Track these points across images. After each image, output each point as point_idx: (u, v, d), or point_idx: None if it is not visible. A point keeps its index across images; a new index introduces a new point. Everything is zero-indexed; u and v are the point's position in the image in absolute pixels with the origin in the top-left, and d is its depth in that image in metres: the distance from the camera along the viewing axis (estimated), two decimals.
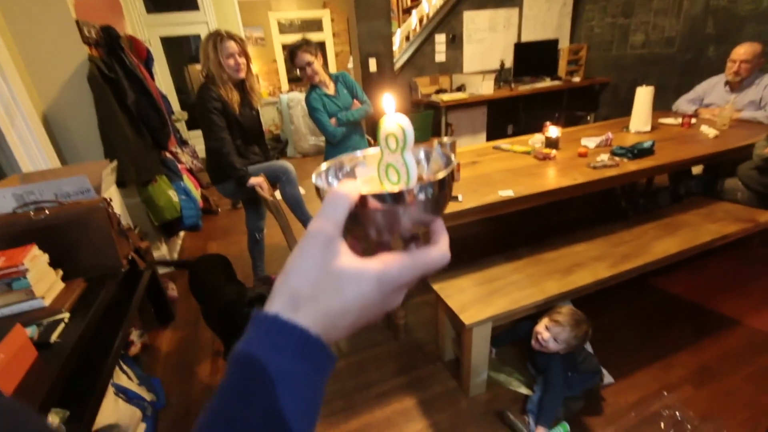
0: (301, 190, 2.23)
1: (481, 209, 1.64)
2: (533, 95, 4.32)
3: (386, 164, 0.33)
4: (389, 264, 0.27)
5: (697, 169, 2.93)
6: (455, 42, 4.30)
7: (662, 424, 1.38)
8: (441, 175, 0.30)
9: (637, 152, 2.10)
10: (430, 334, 1.92)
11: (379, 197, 0.28)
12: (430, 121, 3.96)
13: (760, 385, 1.58)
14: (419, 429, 1.47)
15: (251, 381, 0.24)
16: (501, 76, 4.53)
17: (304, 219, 2.17)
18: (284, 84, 6.71)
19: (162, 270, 2.75)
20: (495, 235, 2.91)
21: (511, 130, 4.92)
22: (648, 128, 2.63)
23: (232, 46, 1.92)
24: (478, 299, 1.48)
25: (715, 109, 2.80)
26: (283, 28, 6.36)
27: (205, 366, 1.89)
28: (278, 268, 2.05)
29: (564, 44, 4.69)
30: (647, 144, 2.15)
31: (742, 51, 2.62)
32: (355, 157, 0.38)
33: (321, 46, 4.41)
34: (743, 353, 1.74)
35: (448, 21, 4.19)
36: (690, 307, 2.05)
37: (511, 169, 2.04)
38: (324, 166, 0.36)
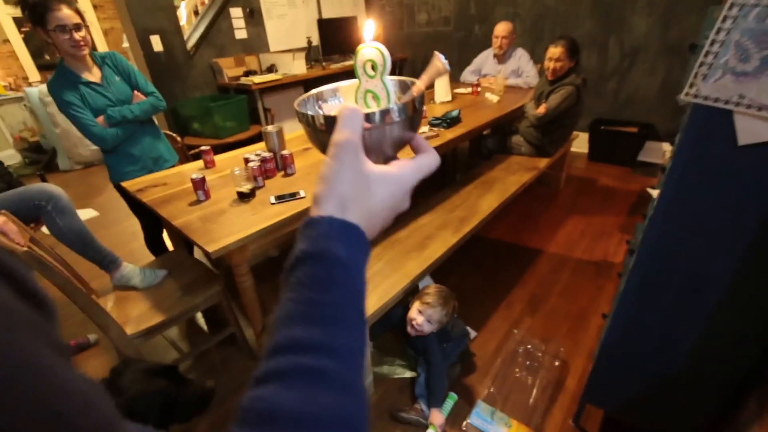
0: (88, 213, 1.61)
1: None
2: (344, 73, 4.34)
3: (364, 91, 0.37)
4: (403, 167, 0.33)
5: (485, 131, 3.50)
6: (255, 17, 3.89)
7: (520, 360, 1.59)
8: (416, 93, 0.36)
9: (449, 121, 2.31)
10: None
11: (372, 116, 0.33)
12: (245, 107, 3.52)
13: (566, 297, 2.00)
14: None
15: (331, 268, 0.28)
16: (311, 54, 4.38)
17: (99, 257, 1.57)
18: (31, 72, 4.93)
19: None
20: None
21: None
22: (450, 98, 2.94)
23: None
24: None
25: (490, 78, 3.34)
26: None
27: None
28: (75, 331, 1.45)
29: (362, 22, 4.84)
30: (455, 113, 2.39)
31: (501, 28, 3.16)
32: (328, 89, 0.40)
33: None
34: (550, 275, 2.17)
35: None
36: (509, 248, 2.45)
37: None
38: (302, 97, 0.39)
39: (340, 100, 0.41)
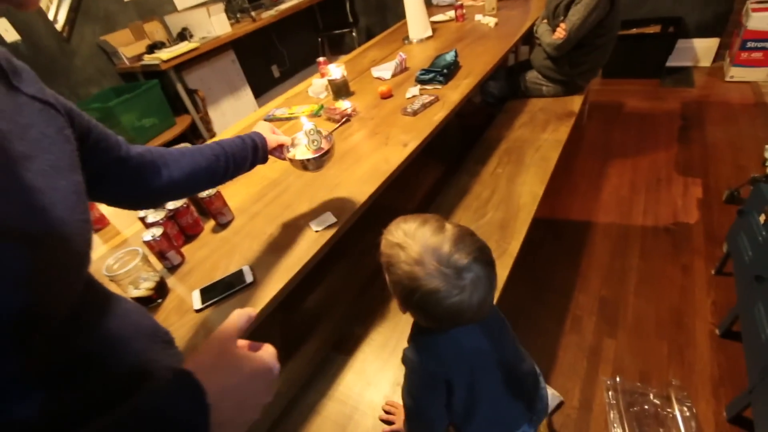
0: None
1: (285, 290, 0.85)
2: (282, 21, 3.41)
3: (312, 140, 0.88)
4: (263, 357, 0.43)
5: None
6: None
7: (636, 426, 1.07)
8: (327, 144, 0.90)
9: (446, 71, 1.60)
10: None
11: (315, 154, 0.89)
12: (159, 95, 2.64)
13: (647, 293, 1.46)
14: None
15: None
16: (232, 4, 3.39)
17: None
18: None
19: None
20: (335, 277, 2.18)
21: (278, 71, 3.98)
22: (430, 32, 2.17)
23: None
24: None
25: None
26: None
27: None
28: None
29: None
30: (450, 56, 1.67)
31: None
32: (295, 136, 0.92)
33: None
34: (614, 261, 1.61)
35: None
36: (547, 227, 1.85)
37: None
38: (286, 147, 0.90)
39: (304, 140, 0.90)
